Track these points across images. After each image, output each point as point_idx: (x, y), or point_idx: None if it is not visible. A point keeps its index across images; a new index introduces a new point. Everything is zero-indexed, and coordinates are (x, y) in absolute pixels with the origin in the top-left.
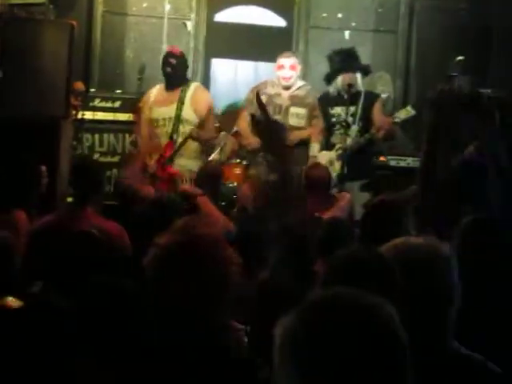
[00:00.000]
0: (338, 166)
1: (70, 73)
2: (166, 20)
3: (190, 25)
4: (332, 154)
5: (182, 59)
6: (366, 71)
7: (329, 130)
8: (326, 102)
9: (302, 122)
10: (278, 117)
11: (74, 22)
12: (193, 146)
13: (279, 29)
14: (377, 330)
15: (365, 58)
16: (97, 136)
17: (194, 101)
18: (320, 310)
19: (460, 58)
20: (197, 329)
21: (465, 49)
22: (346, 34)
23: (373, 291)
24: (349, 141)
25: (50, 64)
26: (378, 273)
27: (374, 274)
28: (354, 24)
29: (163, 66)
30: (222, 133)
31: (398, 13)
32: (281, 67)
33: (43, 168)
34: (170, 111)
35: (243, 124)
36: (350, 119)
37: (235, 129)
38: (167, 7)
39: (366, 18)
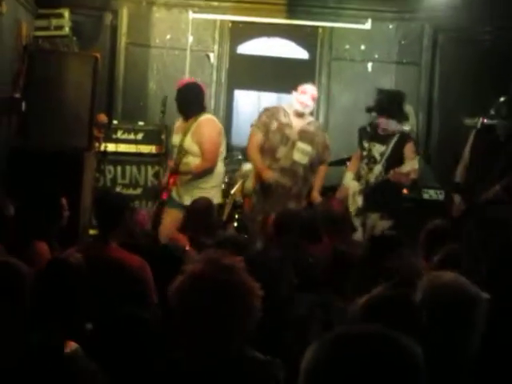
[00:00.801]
0: (359, 199)
1: (93, 105)
2: (188, 52)
3: (212, 57)
4: (357, 187)
5: (181, 92)
6: (405, 119)
7: (360, 161)
8: (363, 134)
9: (305, 159)
10: (283, 148)
11: (98, 55)
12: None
13: (302, 61)
14: (400, 364)
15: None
16: (119, 168)
17: (196, 132)
18: (344, 343)
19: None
20: (219, 357)
21: (488, 80)
22: (369, 65)
23: (397, 329)
24: (371, 177)
25: (74, 96)
26: (404, 313)
27: (400, 313)
28: (376, 56)
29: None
30: (246, 165)
31: (421, 45)
32: (303, 92)
33: (64, 201)
34: (177, 140)
35: (254, 151)
36: (378, 157)
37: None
38: (190, 39)
39: (389, 50)
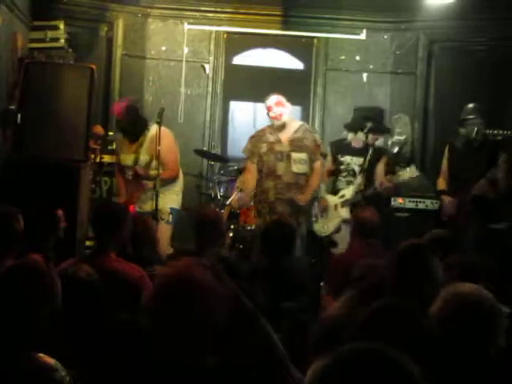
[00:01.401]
0: (343, 211)
1: (89, 116)
2: (184, 63)
3: (208, 68)
4: (336, 200)
5: (125, 119)
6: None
7: (335, 174)
8: (338, 148)
9: (305, 168)
10: (281, 164)
11: (94, 66)
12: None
13: (297, 71)
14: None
15: (383, 100)
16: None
17: (151, 148)
18: (344, 362)
19: (472, 104)
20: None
21: (483, 90)
22: (364, 76)
23: (399, 344)
24: (351, 189)
25: (70, 107)
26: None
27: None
28: (372, 66)
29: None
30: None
31: (417, 55)
32: (269, 109)
33: (60, 212)
34: (130, 160)
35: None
36: (356, 169)
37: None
38: (185, 50)
39: (385, 60)
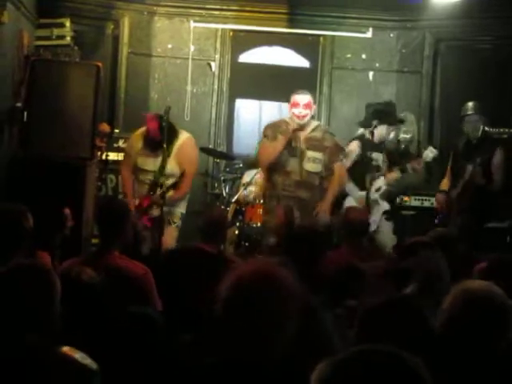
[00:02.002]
0: (384, 204)
1: (95, 114)
2: (190, 61)
3: (214, 66)
4: (374, 195)
5: (163, 137)
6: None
7: (364, 172)
8: (366, 145)
9: (318, 168)
10: (293, 159)
11: (100, 64)
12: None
13: (303, 69)
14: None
15: (389, 98)
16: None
17: (179, 155)
18: (353, 364)
19: (472, 102)
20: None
21: (489, 89)
22: (370, 74)
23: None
24: (383, 180)
25: (76, 105)
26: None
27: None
28: (377, 65)
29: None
30: (248, 174)
31: (423, 53)
32: (295, 105)
33: (68, 211)
34: (152, 164)
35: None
36: (381, 165)
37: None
38: (192, 48)
39: (391, 59)
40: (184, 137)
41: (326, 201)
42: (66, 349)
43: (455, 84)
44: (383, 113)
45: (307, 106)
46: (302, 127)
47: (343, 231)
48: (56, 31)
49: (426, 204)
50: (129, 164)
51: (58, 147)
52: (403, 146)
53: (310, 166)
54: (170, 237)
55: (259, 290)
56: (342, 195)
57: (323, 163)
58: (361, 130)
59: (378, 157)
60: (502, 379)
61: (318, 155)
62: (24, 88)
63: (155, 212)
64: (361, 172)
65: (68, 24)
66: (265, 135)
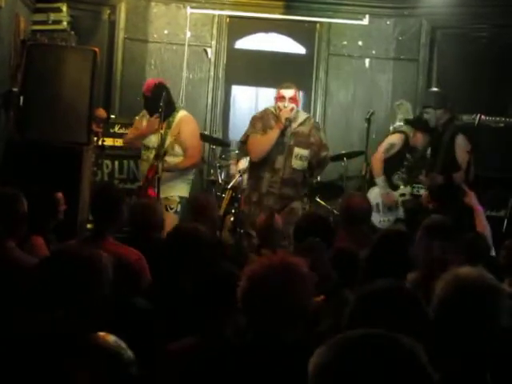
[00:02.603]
0: (401, 211)
1: (92, 99)
2: (186, 47)
3: (210, 52)
4: (396, 196)
5: (156, 93)
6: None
7: (395, 169)
8: (407, 143)
9: (304, 165)
10: (280, 157)
11: (97, 49)
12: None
13: (300, 56)
14: (405, 367)
15: (385, 86)
16: (117, 163)
17: (176, 130)
18: (349, 348)
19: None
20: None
21: (485, 77)
22: (367, 61)
23: (399, 323)
24: (409, 189)
25: (73, 90)
26: (405, 305)
27: (401, 306)
28: (374, 52)
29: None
30: (243, 161)
31: (419, 41)
32: (281, 98)
33: (60, 195)
34: (154, 140)
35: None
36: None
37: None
38: (188, 34)
39: (387, 46)
40: (182, 114)
41: None
42: (101, 334)
43: (452, 72)
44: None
45: (293, 99)
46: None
47: (342, 217)
48: (52, 16)
49: (418, 192)
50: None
51: (54, 132)
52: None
53: (296, 164)
54: (169, 224)
55: (277, 280)
56: (368, 184)
57: (308, 160)
58: (398, 124)
59: (410, 158)
60: (496, 364)
61: (305, 152)
62: (20, 72)
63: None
64: (391, 168)
65: (65, 9)
66: (255, 127)
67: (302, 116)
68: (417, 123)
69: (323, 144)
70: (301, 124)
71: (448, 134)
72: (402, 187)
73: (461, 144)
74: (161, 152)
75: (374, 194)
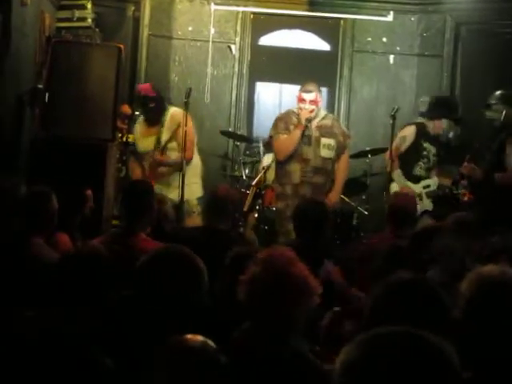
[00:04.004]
0: (427, 202)
1: (117, 96)
2: (210, 44)
3: (234, 48)
4: (420, 189)
5: (154, 99)
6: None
7: (414, 160)
8: (422, 133)
9: (331, 154)
10: (308, 148)
11: (122, 46)
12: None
13: (324, 53)
14: (434, 366)
15: (409, 82)
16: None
17: (171, 126)
18: (380, 345)
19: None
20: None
21: (510, 73)
22: (391, 58)
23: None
24: (436, 180)
25: (97, 87)
26: (425, 297)
27: (421, 298)
28: (398, 48)
29: (142, 107)
30: (267, 157)
31: (444, 37)
32: (302, 101)
33: (89, 193)
34: (150, 143)
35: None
36: (432, 158)
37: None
38: (212, 31)
39: (411, 43)
40: (173, 110)
41: (336, 191)
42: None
43: (476, 68)
44: (450, 108)
45: (314, 102)
46: (309, 120)
47: (387, 215)
48: (77, 13)
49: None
50: (135, 152)
51: (79, 128)
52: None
53: (325, 153)
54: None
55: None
56: (388, 180)
57: (335, 150)
58: (419, 119)
59: (429, 148)
60: None
61: (332, 141)
62: (45, 69)
63: (172, 196)
64: (410, 160)
65: (89, 6)
66: (277, 129)
67: (322, 112)
68: (431, 112)
69: (346, 134)
70: (323, 118)
71: (505, 132)
72: (425, 179)
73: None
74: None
75: (393, 189)
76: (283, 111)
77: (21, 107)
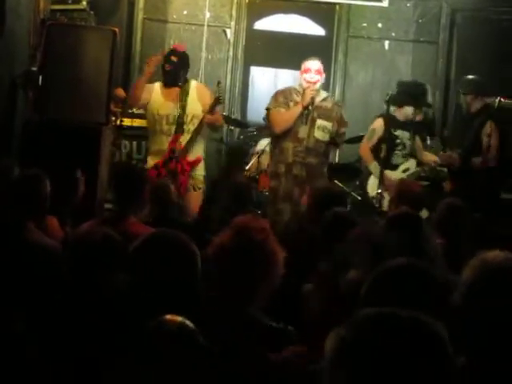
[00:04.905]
0: None
1: (111, 79)
2: (205, 28)
3: (229, 33)
4: (401, 174)
5: (183, 58)
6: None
7: (390, 150)
8: (390, 121)
9: (326, 137)
10: (303, 127)
11: (117, 29)
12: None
13: (319, 37)
14: (429, 347)
15: (404, 68)
16: (135, 143)
17: (199, 96)
18: (372, 326)
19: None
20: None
21: (505, 60)
22: (386, 43)
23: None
24: (414, 162)
25: (92, 70)
26: (419, 282)
27: (415, 283)
28: (394, 34)
29: (164, 63)
30: (262, 142)
31: (439, 24)
32: (307, 70)
33: (81, 177)
34: (173, 109)
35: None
36: (407, 143)
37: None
38: (207, 15)
39: (407, 28)
40: (195, 83)
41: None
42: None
43: (471, 55)
44: (413, 95)
45: (318, 71)
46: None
47: (393, 204)
48: None
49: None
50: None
51: (73, 112)
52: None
53: (319, 135)
54: (196, 203)
55: (239, 256)
56: (366, 174)
57: (330, 133)
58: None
59: (402, 135)
60: None
61: (328, 124)
62: (40, 52)
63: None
64: (385, 150)
65: None
66: (277, 102)
67: (323, 93)
68: (394, 100)
69: (344, 121)
70: (323, 100)
71: (478, 120)
72: (402, 164)
73: (489, 130)
74: (184, 120)
75: (372, 183)
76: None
77: (14, 90)
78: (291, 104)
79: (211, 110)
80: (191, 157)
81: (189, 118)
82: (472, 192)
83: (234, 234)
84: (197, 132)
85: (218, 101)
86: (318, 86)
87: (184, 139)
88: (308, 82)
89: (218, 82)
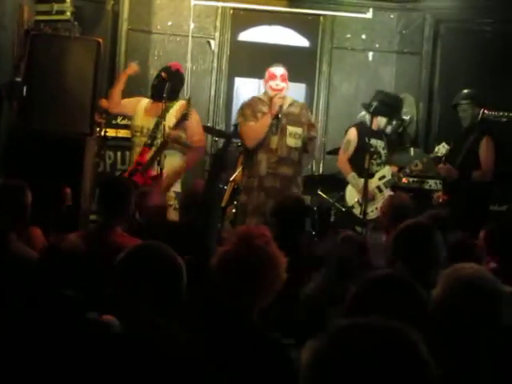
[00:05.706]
0: (388, 192)
1: (95, 90)
2: (190, 39)
3: (213, 44)
4: (377, 182)
5: (173, 75)
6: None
7: (363, 158)
8: (364, 131)
9: (298, 143)
10: (274, 137)
11: (101, 40)
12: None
13: (303, 49)
14: (404, 356)
15: (388, 79)
16: (119, 154)
17: (174, 116)
18: (349, 336)
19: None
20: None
21: (489, 71)
22: (370, 55)
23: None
24: (389, 169)
25: (76, 81)
26: (400, 293)
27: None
28: (377, 45)
29: (154, 78)
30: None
31: (423, 35)
32: (273, 77)
33: (68, 191)
34: (150, 123)
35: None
36: (382, 152)
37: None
38: (192, 26)
39: (391, 40)
40: (183, 102)
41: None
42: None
43: (455, 66)
44: (388, 106)
45: (283, 78)
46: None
47: (389, 215)
48: (56, 6)
49: (425, 186)
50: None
51: (57, 122)
52: (401, 129)
53: (291, 142)
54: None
55: (242, 266)
56: (343, 184)
57: (302, 139)
58: (361, 114)
59: (376, 143)
60: (497, 365)
61: (298, 130)
62: (24, 63)
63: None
64: (360, 159)
65: None
66: (245, 115)
67: (289, 98)
68: (373, 108)
69: (313, 124)
70: (290, 105)
71: (476, 132)
72: (378, 172)
73: (486, 144)
74: (157, 135)
75: (350, 193)
76: (246, 99)
77: None
78: (259, 115)
79: (176, 126)
80: (164, 170)
81: (161, 134)
82: (464, 204)
83: (237, 242)
84: (162, 147)
85: (184, 117)
86: (283, 93)
87: (150, 153)
88: (274, 89)
89: (189, 98)
